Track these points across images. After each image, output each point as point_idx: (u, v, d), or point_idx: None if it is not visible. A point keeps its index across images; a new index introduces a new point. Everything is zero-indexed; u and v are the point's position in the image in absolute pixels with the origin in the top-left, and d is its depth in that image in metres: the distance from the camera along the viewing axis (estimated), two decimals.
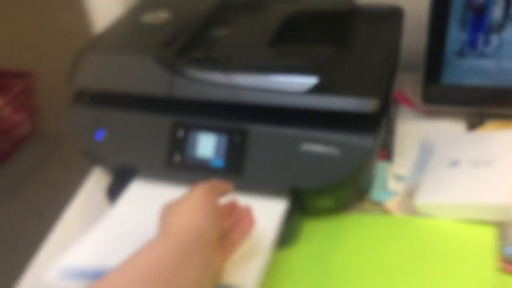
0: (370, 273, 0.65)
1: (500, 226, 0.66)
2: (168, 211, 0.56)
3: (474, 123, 0.84)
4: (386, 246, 0.68)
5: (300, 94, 0.65)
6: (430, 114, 0.86)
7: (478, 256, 0.63)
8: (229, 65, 0.69)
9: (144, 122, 0.72)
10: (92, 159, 0.77)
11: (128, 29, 0.81)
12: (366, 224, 0.71)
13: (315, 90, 0.65)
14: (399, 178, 0.75)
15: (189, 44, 0.75)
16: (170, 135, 0.71)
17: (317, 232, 0.71)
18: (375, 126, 0.66)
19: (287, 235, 0.68)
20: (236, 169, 0.68)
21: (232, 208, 0.63)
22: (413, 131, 0.83)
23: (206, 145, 0.70)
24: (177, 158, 0.70)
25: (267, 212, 0.67)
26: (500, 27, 0.74)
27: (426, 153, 0.79)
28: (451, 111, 0.84)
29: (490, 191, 0.65)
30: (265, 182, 0.68)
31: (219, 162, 0.69)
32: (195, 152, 0.70)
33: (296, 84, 0.65)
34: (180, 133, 0.71)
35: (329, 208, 0.72)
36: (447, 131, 0.83)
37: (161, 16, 0.82)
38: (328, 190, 0.67)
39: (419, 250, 0.66)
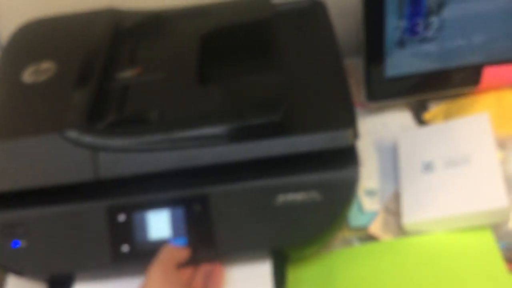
0: None
1: (493, 226, 0.63)
2: None
3: (419, 110, 0.79)
4: (385, 276, 0.61)
5: (261, 141, 0.54)
6: (373, 110, 0.79)
7: (486, 262, 0.59)
8: (166, 123, 0.55)
9: (72, 215, 0.56)
10: (10, 271, 0.59)
11: (11, 96, 0.62)
12: (355, 257, 0.63)
13: (279, 132, 0.54)
14: (371, 193, 0.68)
15: (98, 103, 0.58)
16: (108, 223, 0.56)
17: (305, 279, 0.62)
18: (353, 155, 0.57)
19: None
20: (204, 243, 0.56)
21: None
22: (362, 133, 0.76)
23: (159, 224, 0.56)
24: (124, 248, 0.56)
25: (253, 280, 0.56)
26: (439, 7, 0.68)
27: (385, 155, 0.73)
28: (395, 102, 0.78)
29: (480, 195, 0.60)
30: (241, 248, 0.56)
31: (181, 241, 0.56)
32: (146, 236, 0.56)
33: (255, 131, 0.54)
34: (121, 217, 0.56)
35: (313, 252, 0.63)
36: (396, 125, 0.77)
37: (44, 67, 0.64)
38: (314, 240, 0.58)
39: (421, 272, 0.60)
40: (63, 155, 0.54)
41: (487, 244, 0.60)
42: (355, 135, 0.55)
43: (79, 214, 0.56)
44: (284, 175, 0.56)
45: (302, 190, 0.56)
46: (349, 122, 0.55)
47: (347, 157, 0.57)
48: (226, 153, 0.54)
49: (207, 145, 0.54)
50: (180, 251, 0.55)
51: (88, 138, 0.54)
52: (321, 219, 0.56)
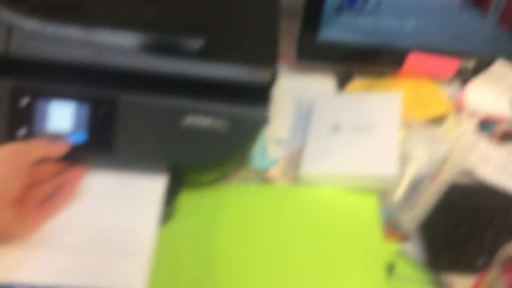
0: (255, 245, 0.61)
1: (381, 193, 0.67)
2: None
3: (343, 80, 0.82)
4: (270, 217, 0.63)
5: (183, 59, 0.55)
6: (301, 69, 0.81)
7: (364, 224, 0.63)
8: (88, 18, 0.55)
9: None
10: None
11: None
12: (248, 194, 0.65)
13: (202, 55, 0.55)
14: (278, 142, 0.71)
15: None
16: (11, 104, 0.55)
17: (196, 206, 0.64)
18: (267, 96, 0.59)
19: (164, 212, 0.59)
20: (104, 144, 0.56)
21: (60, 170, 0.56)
22: (286, 87, 0.78)
23: (62, 116, 0.56)
24: (21, 132, 0.55)
25: (143, 194, 0.57)
26: None
27: (302, 113, 0.75)
28: (323, 67, 0.81)
29: (374, 161, 0.64)
30: (139, 159, 0.57)
31: (80, 136, 0.56)
32: (45, 125, 0.55)
33: (178, 46, 0.55)
34: (24, 101, 0.55)
35: (210, 181, 0.65)
36: (319, 88, 0.80)
37: None
38: (213, 166, 0.60)
39: (304, 220, 0.63)
40: None
41: (370, 207, 0.64)
42: (273, 77, 0.57)
43: None
44: (196, 98, 0.57)
45: (210, 116, 0.57)
46: (270, 62, 0.57)
47: (261, 96, 0.58)
48: (142, 62, 0.54)
49: (126, 50, 0.54)
50: (54, 147, 0.54)
51: (5, 14, 0.52)
52: (222, 148, 0.57)
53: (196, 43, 0.54)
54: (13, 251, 0.50)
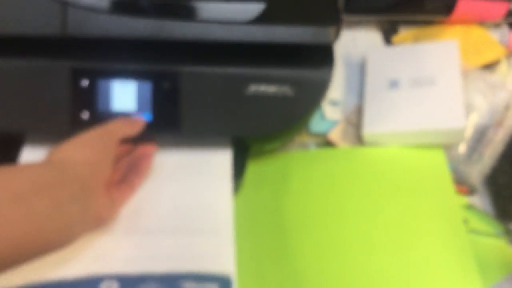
0: (327, 210, 0.60)
1: (444, 147, 0.65)
2: (54, 150, 0.48)
3: (388, 32, 0.79)
4: (338, 180, 0.62)
5: (243, 25, 0.52)
6: (344, 24, 0.78)
7: (436, 180, 0.61)
8: None
9: (33, 71, 0.52)
10: None
11: None
12: (313, 159, 0.64)
13: (262, 19, 0.53)
14: (334, 104, 0.69)
15: None
16: (71, 86, 0.53)
17: (263, 175, 0.63)
18: (330, 56, 0.57)
19: (233, 184, 0.58)
20: (169, 122, 0.54)
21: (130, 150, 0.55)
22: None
23: (124, 96, 0.54)
24: (84, 115, 0.53)
25: (213, 168, 0.56)
26: None
27: (352, 70, 0.73)
28: (366, 20, 0.78)
29: (441, 115, 0.62)
30: (206, 133, 0.55)
31: (145, 116, 0.54)
32: (109, 106, 0.54)
33: (238, 12, 0.52)
34: (84, 82, 0.53)
35: (274, 149, 0.64)
36: (366, 43, 0.77)
37: None
38: (280, 134, 0.58)
39: (373, 181, 0.62)
40: (30, 4, 0.49)
41: (439, 162, 0.62)
42: (337, 34, 0.54)
43: (41, 71, 0.52)
44: (260, 65, 0.55)
45: (275, 83, 0.55)
46: (334, 20, 0.54)
47: (324, 57, 0.56)
48: (203, 31, 0.52)
49: (184, 18, 0.51)
50: (131, 125, 0.53)
51: None
52: (289, 114, 0.55)
53: (256, 8, 0.52)
54: (95, 240, 0.49)
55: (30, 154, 0.55)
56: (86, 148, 0.47)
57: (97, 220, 0.47)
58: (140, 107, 0.54)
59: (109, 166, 0.48)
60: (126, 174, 0.53)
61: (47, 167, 0.44)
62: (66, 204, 0.42)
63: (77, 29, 0.50)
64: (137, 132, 0.53)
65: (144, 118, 0.54)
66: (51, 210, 0.41)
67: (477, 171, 0.64)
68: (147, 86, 0.54)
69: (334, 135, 0.66)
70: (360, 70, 0.73)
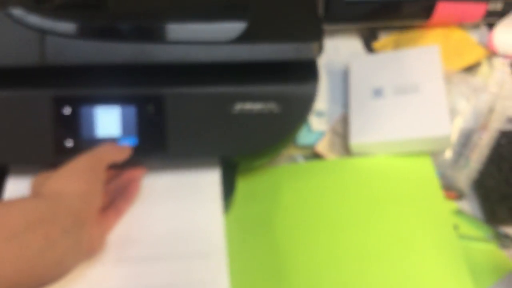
0: (318, 222, 0.60)
1: (431, 153, 0.66)
2: (44, 177, 0.47)
3: (368, 38, 0.79)
4: (328, 192, 0.62)
5: (225, 44, 0.52)
6: (326, 33, 0.78)
7: (424, 187, 0.62)
8: (125, 13, 0.51)
9: (13, 102, 0.51)
10: None
11: None
12: (302, 173, 0.64)
13: (243, 37, 0.52)
14: (320, 114, 0.69)
15: None
16: (53, 114, 0.52)
17: (252, 191, 0.63)
18: (314, 71, 0.57)
19: (223, 202, 0.57)
20: (155, 145, 0.53)
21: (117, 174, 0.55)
22: None
23: (108, 121, 0.53)
24: (68, 143, 0.52)
25: (201, 189, 0.55)
26: None
27: (335, 79, 0.73)
28: (346, 28, 0.78)
29: (426, 122, 0.62)
30: (193, 154, 0.55)
31: (131, 140, 0.53)
32: (93, 132, 0.53)
33: (219, 32, 0.51)
34: (67, 110, 0.52)
35: (262, 164, 0.63)
36: (347, 50, 0.77)
37: None
38: (267, 151, 0.58)
39: (363, 191, 0.62)
40: (7, 34, 0.48)
41: (427, 169, 0.63)
42: (320, 49, 0.54)
43: (22, 101, 0.51)
44: (244, 83, 0.54)
45: (261, 100, 0.54)
46: (316, 35, 0.54)
47: (308, 71, 0.56)
48: (185, 52, 0.51)
49: (166, 41, 0.51)
50: (119, 151, 0.52)
51: (35, 18, 0.48)
52: (276, 131, 0.55)
53: (238, 26, 0.51)
54: (86, 271, 0.48)
55: (15, 185, 0.53)
56: (77, 179, 0.46)
57: (89, 251, 0.47)
58: (125, 132, 0.53)
59: (99, 195, 0.48)
60: (113, 198, 0.52)
61: (39, 201, 0.43)
62: (59, 239, 0.41)
63: (56, 57, 0.49)
64: (124, 158, 0.52)
65: (130, 143, 0.53)
66: (44, 247, 0.40)
67: (465, 176, 0.64)
68: (131, 111, 0.53)
69: (321, 147, 0.66)
70: (343, 79, 0.73)
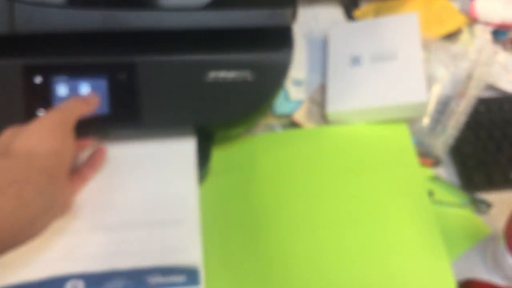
0: (295, 191, 0.60)
1: (408, 120, 0.66)
2: (11, 136, 0.45)
3: (349, 6, 0.78)
4: (305, 160, 0.62)
5: (197, 11, 0.51)
6: (305, 1, 0.77)
7: (400, 154, 0.62)
8: None
9: None
10: None
11: None
12: (279, 142, 0.64)
13: (215, 4, 0.52)
14: (298, 83, 0.68)
15: None
16: (24, 84, 0.51)
17: (229, 161, 0.63)
18: (289, 38, 0.56)
19: (199, 172, 0.58)
20: (128, 115, 0.53)
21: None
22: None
23: (79, 90, 0.53)
24: (40, 112, 0.52)
25: (177, 158, 0.55)
26: None
27: (314, 48, 0.73)
28: None
29: (403, 89, 0.62)
30: (167, 123, 0.54)
31: (103, 109, 0.53)
32: (64, 101, 0.52)
33: None
34: (38, 79, 0.52)
35: (239, 134, 0.63)
36: (326, 19, 0.76)
37: None
38: (243, 119, 0.58)
39: (339, 159, 0.62)
40: None
41: (403, 137, 0.63)
42: (294, 15, 0.54)
43: None
44: (218, 51, 0.54)
45: (234, 68, 0.54)
46: (290, 1, 0.53)
47: (283, 38, 0.56)
48: (156, 19, 0.51)
49: (137, 7, 0.50)
50: (86, 104, 0.51)
51: None
52: (251, 99, 0.55)
53: None
54: (58, 239, 0.48)
55: None
56: (47, 136, 0.45)
57: (62, 209, 0.46)
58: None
59: (71, 152, 0.47)
60: (78, 165, 0.52)
61: (10, 161, 0.43)
62: (32, 199, 0.41)
63: (25, 25, 0.49)
64: (92, 110, 0.51)
65: (102, 113, 0.53)
66: (17, 207, 0.40)
67: (441, 143, 0.64)
68: (102, 79, 0.52)
69: (299, 116, 0.66)
70: (323, 48, 0.73)
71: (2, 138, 0.46)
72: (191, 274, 0.46)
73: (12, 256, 0.41)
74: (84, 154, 0.54)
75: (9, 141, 0.44)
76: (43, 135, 0.45)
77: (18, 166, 0.42)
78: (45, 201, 0.43)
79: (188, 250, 0.48)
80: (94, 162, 0.53)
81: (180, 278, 0.46)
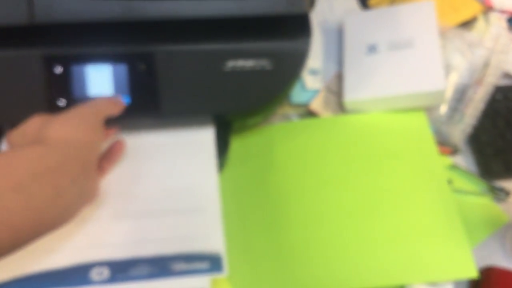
0: (313, 180, 0.60)
1: (426, 109, 0.65)
2: (42, 123, 0.46)
3: None
4: (323, 150, 0.62)
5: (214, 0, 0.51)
6: None
7: (419, 142, 0.62)
8: None
9: (4, 62, 0.50)
10: None
11: None
12: (296, 131, 0.64)
13: None
14: (314, 73, 0.68)
15: None
16: (45, 74, 0.52)
17: (247, 150, 0.63)
18: (307, 26, 0.56)
19: (218, 161, 0.57)
20: (148, 104, 0.53)
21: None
22: None
23: (100, 80, 0.53)
24: (61, 102, 0.52)
25: (196, 147, 0.55)
26: None
27: (330, 37, 0.72)
28: None
29: (420, 78, 0.61)
30: (186, 113, 0.54)
31: (124, 99, 0.53)
32: (85, 91, 0.52)
33: None
34: (58, 69, 0.52)
35: (256, 123, 0.63)
36: (341, 7, 0.76)
37: None
38: (261, 108, 0.58)
39: (358, 148, 0.62)
40: None
41: (421, 125, 0.63)
42: (312, 3, 0.54)
43: (13, 61, 0.50)
44: (236, 40, 0.54)
45: (253, 57, 0.54)
46: None
47: (300, 27, 0.55)
48: (174, 8, 0.50)
49: None
50: (114, 104, 0.51)
51: None
52: (268, 88, 0.55)
53: None
54: (83, 227, 0.49)
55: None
56: (82, 127, 0.46)
57: (92, 198, 0.47)
58: (117, 91, 0.53)
59: (101, 145, 0.48)
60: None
61: (46, 150, 0.43)
62: (66, 188, 0.42)
63: (45, 16, 0.49)
64: (119, 111, 0.52)
65: (123, 99, 0.53)
66: (52, 196, 0.40)
67: (459, 131, 0.64)
68: (123, 69, 0.52)
69: (316, 105, 0.66)
70: (338, 37, 0.72)
71: (30, 126, 0.46)
72: (214, 261, 0.46)
73: (38, 243, 0.41)
74: (103, 146, 0.54)
75: (41, 129, 0.45)
76: (76, 125, 0.46)
77: (55, 153, 0.43)
78: (77, 190, 0.43)
79: (210, 237, 0.48)
80: (113, 155, 0.53)
81: (203, 265, 0.46)
